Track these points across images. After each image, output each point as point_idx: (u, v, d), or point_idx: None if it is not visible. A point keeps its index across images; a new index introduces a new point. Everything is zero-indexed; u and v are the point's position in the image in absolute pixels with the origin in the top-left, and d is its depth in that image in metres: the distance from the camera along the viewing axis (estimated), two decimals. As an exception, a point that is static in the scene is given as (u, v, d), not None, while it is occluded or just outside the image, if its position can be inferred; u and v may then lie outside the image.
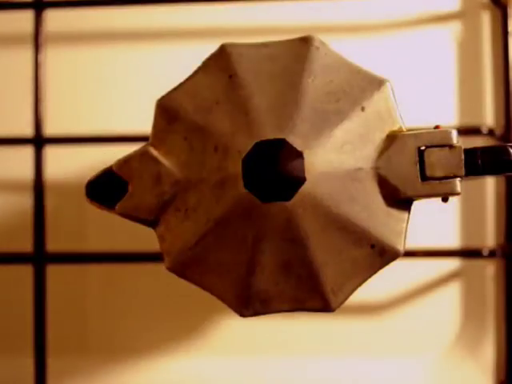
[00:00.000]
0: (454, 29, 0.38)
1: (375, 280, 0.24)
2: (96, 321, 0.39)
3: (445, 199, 0.24)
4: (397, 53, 0.38)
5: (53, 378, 0.37)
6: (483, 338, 0.38)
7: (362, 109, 0.24)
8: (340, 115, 0.23)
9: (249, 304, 0.24)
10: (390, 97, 0.24)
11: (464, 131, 0.36)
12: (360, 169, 0.23)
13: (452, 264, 0.38)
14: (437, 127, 0.24)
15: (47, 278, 0.37)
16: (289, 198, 0.22)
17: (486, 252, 0.37)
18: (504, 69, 0.38)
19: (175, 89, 0.25)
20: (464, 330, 0.38)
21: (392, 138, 0.24)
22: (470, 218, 0.38)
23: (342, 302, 0.24)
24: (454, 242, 0.38)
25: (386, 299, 0.38)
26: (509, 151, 0.24)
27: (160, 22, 0.39)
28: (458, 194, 0.24)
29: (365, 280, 0.24)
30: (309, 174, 0.22)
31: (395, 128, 0.24)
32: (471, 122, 0.38)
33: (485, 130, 0.37)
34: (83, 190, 0.25)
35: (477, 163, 0.24)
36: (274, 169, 0.22)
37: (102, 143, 0.37)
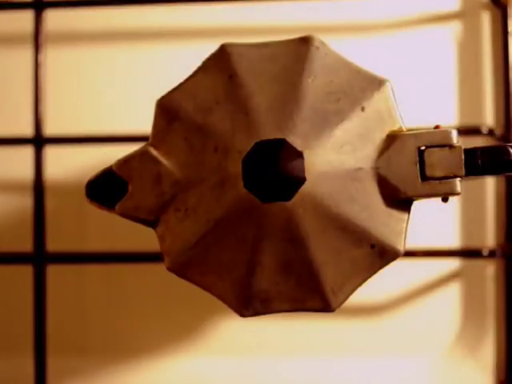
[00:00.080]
0: (454, 29, 0.38)
1: (375, 280, 0.24)
2: (96, 321, 0.39)
3: (445, 199, 0.24)
4: (397, 53, 0.38)
5: (53, 377, 0.37)
6: (483, 338, 0.38)
7: (362, 109, 0.24)
8: (340, 115, 0.23)
9: (249, 304, 0.24)
10: (390, 97, 0.24)
11: (464, 131, 0.36)
12: (360, 169, 0.23)
13: (452, 264, 0.38)
14: (437, 127, 0.24)
15: (47, 278, 0.37)
16: (289, 197, 0.22)
17: (486, 252, 0.37)
18: (504, 69, 0.38)
19: (175, 89, 0.25)
20: (464, 330, 0.38)
21: (392, 138, 0.24)
22: (470, 218, 0.38)
23: (342, 302, 0.24)
24: (454, 242, 0.38)
25: (385, 299, 0.38)
26: (509, 151, 0.24)
27: (160, 22, 0.39)
28: (458, 193, 0.24)
29: (365, 280, 0.24)
30: (309, 174, 0.22)
31: (395, 128, 0.24)
32: (471, 121, 0.38)
33: (485, 130, 0.37)
34: (83, 190, 0.25)
35: (477, 163, 0.24)
36: (274, 169, 0.22)
37: (102, 143, 0.37)
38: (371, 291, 0.37)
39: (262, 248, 0.23)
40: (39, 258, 0.37)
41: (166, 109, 0.24)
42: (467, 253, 0.38)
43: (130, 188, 0.25)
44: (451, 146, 0.23)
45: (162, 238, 0.24)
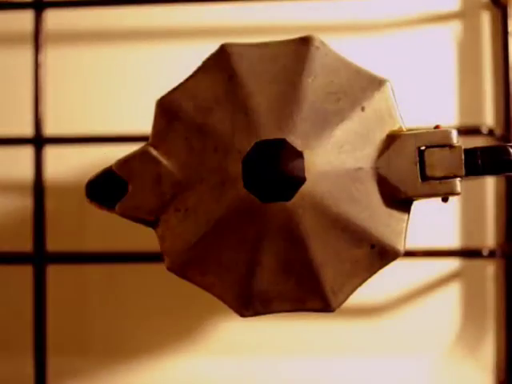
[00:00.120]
0: (454, 29, 0.38)
1: (375, 280, 0.24)
2: (96, 321, 0.39)
3: (445, 199, 0.24)
4: (397, 53, 0.38)
5: (53, 378, 0.37)
6: (483, 338, 0.38)
7: (362, 109, 0.24)
8: (340, 115, 0.23)
9: (249, 304, 0.24)
10: (390, 97, 0.24)
11: (464, 131, 0.36)
12: (360, 169, 0.23)
13: (452, 264, 0.38)
14: (437, 127, 0.24)
15: (47, 278, 0.37)
16: (289, 197, 0.22)
17: (486, 252, 0.37)
18: (504, 69, 0.38)
19: (175, 89, 0.25)
20: (464, 330, 0.38)
21: (392, 138, 0.24)
22: (470, 218, 0.38)
23: (342, 302, 0.24)
24: (454, 242, 0.38)
25: (385, 299, 0.38)
26: (509, 151, 0.24)
27: (160, 22, 0.39)
28: (458, 193, 0.24)
29: (365, 280, 0.24)
30: (309, 174, 0.22)
31: (395, 128, 0.24)
32: (471, 121, 0.38)
33: (485, 130, 0.37)
34: (83, 190, 0.25)
35: (477, 163, 0.24)
36: (274, 169, 0.22)
37: (102, 143, 0.37)
38: (371, 291, 0.37)
39: (262, 248, 0.23)
40: (39, 258, 0.37)
41: (166, 109, 0.24)
42: (467, 253, 0.38)
43: (130, 188, 0.25)
44: (451, 146, 0.23)
45: (161, 238, 0.24)
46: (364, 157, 0.23)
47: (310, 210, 0.23)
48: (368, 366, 0.38)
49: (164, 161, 0.24)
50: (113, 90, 0.39)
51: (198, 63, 0.25)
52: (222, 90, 0.24)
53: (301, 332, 0.38)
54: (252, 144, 0.23)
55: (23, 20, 0.38)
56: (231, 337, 0.38)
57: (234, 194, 0.23)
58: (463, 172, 0.23)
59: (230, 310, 0.24)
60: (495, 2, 0.38)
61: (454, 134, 0.24)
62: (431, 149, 0.23)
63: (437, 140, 0.23)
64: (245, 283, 0.24)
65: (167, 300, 0.38)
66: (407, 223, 0.24)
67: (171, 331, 0.38)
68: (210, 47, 0.25)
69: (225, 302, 0.24)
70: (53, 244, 0.37)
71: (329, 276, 0.23)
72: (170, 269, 0.24)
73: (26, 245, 0.37)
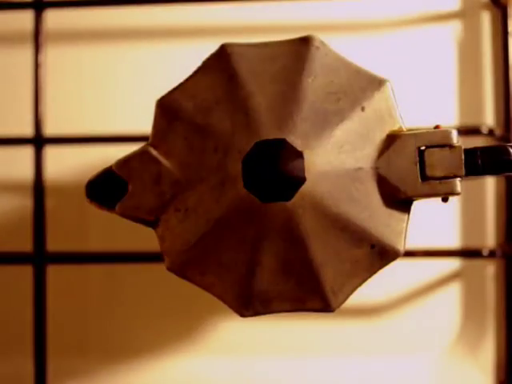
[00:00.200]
0: (454, 29, 0.38)
1: (375, 280, 0.24)
2: (96, 321, 0.39)
3: (445, 199, 0.24)
4: (397, 52, 0.38)
5: (53, 378, 0.37)
6: (483, 337, 0.38)
7: (362, 109, 0.24)
8: (340, 115, 0.23)
9: (249, 304, 0.24)
10: (390, 97, 0.24)
11: (464, 131, 0.36)
12: (360, 169, 0.23)
13: (452, 264, 0.38)
14: (437, 127, 0.24)
15: (47, 278, 0.37)
16: (289, 197, 0.22)
17: (486, 252, 0.37)
18: (504, 69, 0.38)
19: (175, 89, 0.25)
20: (464, 330, 0.38)
21: (392, 138, 0.24)
22: (470, 218, 0.38)
23: (342, 302, 0.24)
24: (454, 242, 0.38)
25: (385, 299, 0.38)
26: (509, 151, 0.24)
27: (160, 22, 0.39)
28: (458, 193, 0.24)
29: (365, 280, 0.24)
30: (309, 174, 0.22)
31: (395, 128, 0.24)
32: (471, 121, 0.38)
33: (485, 130, 0.37)
34: (83, 190, 0.25)
35: (477, 163, 0.24)
36: (274, 169, 0.22)
37: (102, 143, 0.37)
38: (371, 291, 0.37)
39: (262, 248, 0.23)
40: (39, 258, 0.37)
41: (166, 109, 0.24)
42: (467, 253, 0.38)
43: (130, 188, 0.25)
44: (451, 146, 0.23)
45: (161, 238, 0.24)
46: (364, 157, 0.23)
47: (310, 210, 0.23)
48: (368, 366, 0.38)
49: (164, 161, 0.24)
50: (113, 90, 0.39)
51: (198, 63, 0.25)
52: (221, 90, 0.24)
53: (301, 332, 0.38)
54: (252, 144, 0.23)
55: (23, 20, 0.38)
56: (231, 337, 0.38)
57: (233, 193, 0.23)
58: (463, 172, 0.23)
59: (230, 310, 0.24)
60: (495, 2, 0.38)
61: (454, 134, 0.24)
62: (431, 149, 0.23)
63: (437, 140, 0.23)
64: (245, 283, 0.24)
65: (167, 300, 0.38)
66: (407, 223, 0.24)
67: (171, 331, 0.38)
68: (210, 47, 0.25)
69: (225, 301, 0.24)
70: (53, 244, 0.37)
71: (329, 276, 0.23)
72: (169, 269, 0.24)
73: (26, 245, 0.37)
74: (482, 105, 0.38)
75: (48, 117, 0.38)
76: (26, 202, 0.38)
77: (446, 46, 0.38)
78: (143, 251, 0.36)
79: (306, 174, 0.22)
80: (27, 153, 0.38)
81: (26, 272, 0.37)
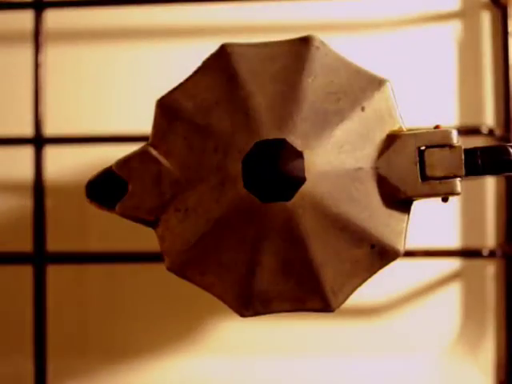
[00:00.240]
0: (454, 29, 0.38)
1: (375, 280, 0.24)
2: (96, 321, 0.39)
3: (445, 199, 0.24)
4: (397, 52, 0.38)
5: (53, 378, 0.37)
6: (483, 337, 0.38)
7: (362, 109, 0.24)
8: (340, 115, 0.23)
9: (249, 304, 0.24)
10: (390, 97, 0.24)
11: (464, 131, 0.36)
12: (360, 169, 0.23)
13: (452, 264, 0.38)
14: (437, 127, 0.24)
15: (47, 278, 0.37)
16: (289, 197, 0.22)
17: (486, 252, 0.37)
18: (504, 69, 0.38)
19: (175, 89, 0.25)
20: (464, 330, 0.38)
21: (392, 138, 0.24)
22: (470, 218, 0.38)
23: (342, 302, 0.24)
24: (454, 242, 0.38)
25: (385, 299, 0.38)
26: (509, 151, 0.24)
27: (160, 22, 0.39)
28: (458, 193, 0.24)
29: (365, 280, 0.24)
30: (309, 174, 0.22)
31: (395, 128, 0.24)
32: (471, 122, 0.38)
33: (485, 130, 0.37)
34: (83, 190, 0.25)
35: (477, 163, 0.24)
36: (274, 169, 0.22)
37: (102, 143, 0.37)
38: (371, 291, 0.37)
39: (262, 248, 0.23)
40: (39, 258, 0.37)
41: (166, 109, 0.24)
42: (467, 253, 0.38)
43: (130, 188, 0.25)
44: (451, 146, 0.23)
45: (161, 238, 0.24)
46: (364, 157, 0.23)
47: (310, 210, 0.23)
48: (368, 366, 0.38)
49: (164, 161, 0.24)
50: (113, 90, 0.39)
51: (198, 63, 0.25)
52: (221, 90, 0.24)
53: (301, 332, 0.38)
54: (252, 144, 0.23)
55: (23, 20, 0.38)
56: (231, 337, 0.38)
57: (233, 193, 0.23)
58: (463, 172, 0.23)
59: (230, 310, 0.24)
60: (495, 2, 0.38)
61: (454, 134, 0.24)
62: (431, 149, 0.23)
63: (437, 140, 0.23)
64: (245, 283, 0.24)
65: (167, 300, 0.38)
66: (407, 223, 0.24)
67: (171, 331, 0.38)
68: (210, 47, 0.25)
69: (225, 301, 0.24)
70: (53, 244, 0.37)
71: (329, 276, 0.23)
72: (169, 269, 0.24)
73: (26, 245, 0.37)
74: (482, 105, 0.38)
75: (48, 117, 0.38)
76: (26, 202, 0.38)
77: (445, 46, 0.38)
78: (143, 251, 0.36)
79: (306, 174, 0.22)
80: (27, 153, 0.38)
81: (26, 272, 0.37)
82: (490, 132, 0.37)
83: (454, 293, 0.38)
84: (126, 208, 0.25)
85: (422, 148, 0.23)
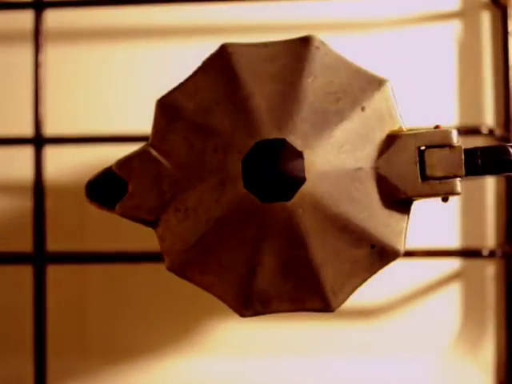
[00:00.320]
0: (454, 28, 0.38)
1: (375, 280, 0.24)
2: (96, 321, 0.39)
3: (445, 199, 0.24)
4: (397, 52, 0.38)
5: (53, 378, 0.37)
6: (483, 337, 0.38)
7: (362, 109, 0.24)
8: (340, 115, 0.23)
9: (249, 304, 0.24)
10: (390, 97, 0.24)
11: (464, 131, 0.36)
12: (360, 169, 0.23)
13: (452, 264, 0.38)
14: (437, 127, 0.24)
15: (47, 278, 0.37)
16: (289, 197, 0.22)
17: (486, 252, 0.37)
18: (504, 69, 0.38)
19: (175, 89, 0.25)
20: (464, 330, 0.38)
21: (392, 138, 0.24)
22: (470, 218, 0.38)
23: (342, 302, 0.24)
24: (454, 242, 0.38)
25: (385, 299, 0.38)
26: (509, 151, 0.24)
27: (160, 22, 0.39)
28: (458, 193, 0.24)
29: (365, 280, 0.24)
30: (309, 174, 0.22)
31: (395, 128, 0.24)
32: (471, 122, 0.38)
33: (485, 130, 0.37)
34: (83, 190, 0.25)
35: (477, 163, 0.24)
36: (274, 169, 0.22)
37: (102, 143, 0.37)
38: (371, 291, 0.37)
39: (262, 248, 0.23)
40: (39, 258, 0.37)
41: (166, 109, 0.24)
42: (467, 253, 0.38)
43: (130, 188, 0.25)
44: (451, 146, 0.23)
45: (161, 238, 0.24)
46: (364, 157, 0.23)
47: (310, 210, 0.23)
48: (368, 366, 0.38)
49: (164, 161, 0.24)
50: (113, 90, 0.39)
51: (198, 63, 0.25)
52: (221, 90, 0.24)
53: (301, 332, 0.38)
54: (252, 144, 0.23)
55: (23, 20, 0.38)
56: (231, 337, 0.38)
57: (234, 193, 0.23)
58: (463, 172, 0.23)
59: (230, 310, 0.24)
60: (495, 2, 0.38)
61: (454, 134, 0.24)
62: (431, 149, 0.23)
63: (437, 140, 0.23)
64: (245, 283, 0.24)
65: (167, 300, 0.38)
66: (407, 223, 0.24)
67: (171, 331, 0.38)
68: (210, 47, 0.25)
69: (225, 301, 0.24)
70: (53, 244, 0.37)
71: (329, 276, 0.23)
72: (169, 269, 0.24)
73: (26, 245, 0.37)
74: (482, 105, 0.38)
75: (48, 117, 0.38)
76: (26, 202, 0.38)
77: (446, 46, 0.38)
78: (143, 251, 0.36)
79: (306, 174, 0.22)
80: (27, 153, 0.38)
81: (25, 272, 0.37)
82: (490, 132, 0.37)
83: (454, 293, 0.38)
84: (126, 208, 0.25)
85: (422, 148, 0.23)
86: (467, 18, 0.38)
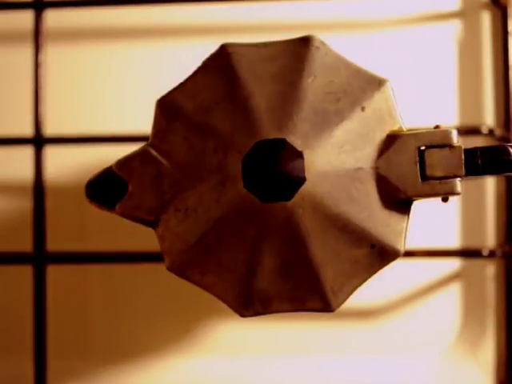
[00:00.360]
0: (454, 28, 0.38)
1: (375, 280, 0.24)
2: (96, 321, 0.39)
3: (445, 199, 0.24)
4: (397, 52, 0.38)
5: (53, 378, 0.37)
6: (483, 337, 0.38)
7: (362, 109, 0.24)
8: (340, 115, 0.23)
9: (249, 304, 0.24)
10: (390, 97, 0.24)
11: (464, 131, 0.36)
12: (360, 169, 0.23)
13: (452, 264, 0.38)
14: (437, 127, 0.24)
15: (47, 278, 0.37)
16: (289, 197, 0.22)
17: (486, 252, 0.37)
18: (504, 69, 0.38)
19: (175, 89, 0.25)
20: (464, 330, 0.38)
21: (392, 138, 0.24)
22: (470, 218, 0.38)
23: (342, 302, 0.24)
24: (454, 242, 0.38)
25: (385, 299, 0.38)
26: (509, 151, 0.24)
27: (160, 22, 0.39)
28: (458, 193, 0.24)
29: (365, 280, 0.24)
30: (309, 174, 0.22)
31: (395, 128, 0.24)
32: (471, 122, 0.38)
33: (485, 130, 0.37)
34: (83, 190, 0.25)
35: (477, 163, 0.24)
36: (274, 169, 0.22)
37: (102, 143, 0.37)
38: (371, 291, 0.37)
39: (262, 248, 0.23)
40: (39, 258, 0.37)
41: (166, 108, 0.24)
42: (467, 253, 0.38)
43: (130, 188, 0.25)
44: (451, 146, 0.23)
45: (161, 238, 0.24)
46: (364, 157, 0.23)
47: (310, 210, 0.23)
48: (368, 366, 0.38)
49: (164, 161, 0.24)
50: (113, 90, 0.39)
51: (198, 63, 0.25)
52: (221, 90, 0.24)
53: (301, 332, 0.38)
54: (252, 144, 0.23)
55: (23, 20, 0.38)
56: (231, 337, 0.38)
57: (234, 193, 0.23)
58: (463, 172, 0.23)
59: (230, 310, 0.24)
60: (495, 2, 0.38)
61: (454, 134, 0.24)
62: (431, 149, 0.23)
63: (437, 140, 0.23)
64: (245, 283, 0.24)
65: (167, 300, 0.38)
66: (407, 223, 0.24)
67: (171, 331, 0.38)
68: (210, 47, 0.25)
69: (225, 301, 0.24)
70: (53, 244, 0.37)
71: (329, 276, 0.23)
72: (169, 269, 0.24)
73: (26, 245, 0.37)
74: (482, 105, 0.38)
75: (48, 117, 0.38)
76: (26, 202, 0.38)
77: (446, 46, 0.38)
78: (143, 251, 0.36)
79: (306, 174, 0.22)
80: (27, 153, 0.38)
81: (25, 272, 0.37)
82: (490, 132, 0.37)
83: (454, 293, 0.38)
84: (126, 208, 0.25)
85: (422, 148, 0.23)
86: (467, 17, 0.38)
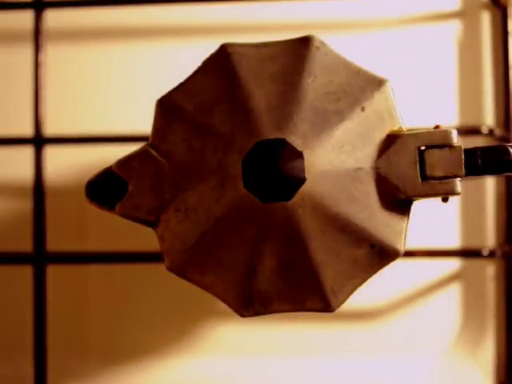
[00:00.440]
0: (454, 28, 0.38)
1: (375, 280, 0.24)
2: (96, 321, 0.39)
3: (445, 199, 0.24)
4: (397, 52, 0.38)
5: (53, 379, 0.37)
6: (483, 337, 0.38)
7: (362, 109, 0.24)
8: (340, 115, 0.23)
9: (249, 304, 0.24)
10: (390, 97, 0.24)
11: (464, 131, 0.36)
12: (360, 169, 0.23)
13: (452, 264, 0.38)
14: (437, 127, 0.24)
15: (47, 278, 0.37)
16: (289, 197, 0.22)
17: (486, 252, 0.37)
18: (504, 69, 0.38)
19: (175, 89, 0.25)
20: (464, 330, 0.38)
21: (392, 138, 0.24)
22: (470, 218, 0.38)
23: (342, 302, 0.24)
24: (454, 242, 0.38)
25: (385, 299, 0.38)
26: (509, 151, 0.24)
27: (160, 22, 0.39)
28: (458, 193, 0.24)
29: (365, 280, 0.24)
30: (309, 174, 0.22)
31: (395, 128, 0.24)
32: (471, 122, 0.38)
33: (485, 130, 0.37)
34: (83, 190, 0.25)
35: (477, 163, 0.24)
36: (274, 169, 0.22)
37: (102, 143, 0.37)
38: (371, 291, 0.37)
39: (262, 248, 0.23)
40: (39, 258, 0.37)
41: (166, 109, 0.24)
42: (467, 253, 0.38)
43: (130, 188, 0.25)
44: (451, 146, 0.23)
45: (161, 238, 0.24)
46: (364, 157, 0.23)
47: (310, 210, 0.23)
48: (368, 366, 0.38)
49: (164, 161, 0.24)
50: (113, 90, 0.39)
51: (198, 63, 0.25)
52: (222, 90, 0.24)
53: (301, 332, 0.38)
54: (252, 144, 0.23)
55: (23, 20, 0.38)
56: (231, 337, 0.38)
57: (234, 193, 0.23)
58: (463, 172, 0.23)
59: (230, 311, 0.24)
60: (495, 2, 0.38)
61: (454, 134, 0.24)
62: (431, 149, 0.23)
63: (437, 140, 0.23)
64: (245, 283, 0.24)
65: (167, 300, 0.38)
66: (407, 223, 0.24)
67: (171, 331, 0.38)
68: (210, 47, 0.25)
69: (225, 301, 0.24)
70: (53, 244, 0.37)
71: (329, 276, 0.23)
72: (169, 269, 0.24)
73: (26, 245, 0.37)
74: (482, 105, 0.38)
75: (48, 117, 0.38)
76: (26, 202, 0.38)
77: (446, 46, 0.38)
78: (143, 251, 0.36)
79: (306, 174, 0.22)
80: (27, 153, 0.38)
81: (25, 272, 0.37)
82: (490, 132, 0.37)
83: (454, 293, 0.38)
84: (126, 208, 0.25)
85: (422, 148, 0.23)
86: (467, 17, 0.38)
